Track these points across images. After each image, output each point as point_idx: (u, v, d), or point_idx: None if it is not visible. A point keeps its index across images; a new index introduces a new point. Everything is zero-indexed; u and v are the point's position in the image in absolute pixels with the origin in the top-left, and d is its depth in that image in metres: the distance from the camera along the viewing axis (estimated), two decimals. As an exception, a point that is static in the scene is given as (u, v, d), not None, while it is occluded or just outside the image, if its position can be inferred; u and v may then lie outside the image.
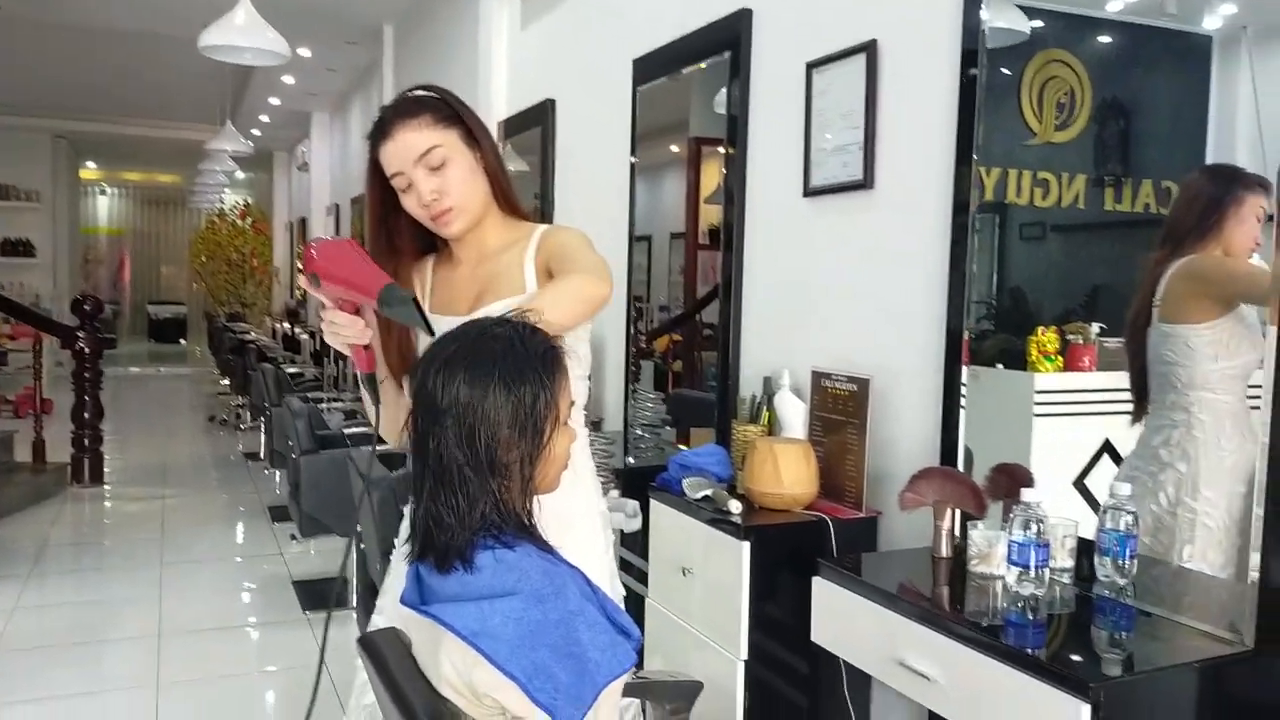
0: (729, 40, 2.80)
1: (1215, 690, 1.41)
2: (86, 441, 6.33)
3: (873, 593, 1.73)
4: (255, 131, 12.20)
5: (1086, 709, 1.31)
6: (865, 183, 2.28)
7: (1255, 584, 1.45)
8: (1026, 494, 1.69)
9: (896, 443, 2.22)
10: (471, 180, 1.56)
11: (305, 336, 9.28)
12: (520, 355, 1.18)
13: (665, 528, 2.43)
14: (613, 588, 1.76)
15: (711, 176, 3.18)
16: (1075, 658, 1.47)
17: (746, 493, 2.28)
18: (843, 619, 1.80)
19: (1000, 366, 2.08)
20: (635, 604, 2.47)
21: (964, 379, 2.03)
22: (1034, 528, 1.66)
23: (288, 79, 9.09)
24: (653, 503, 2.48)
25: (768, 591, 2.14)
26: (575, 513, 1.59)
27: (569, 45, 4.05)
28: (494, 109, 4.75)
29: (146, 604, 4.07)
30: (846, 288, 2.39)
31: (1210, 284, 1.78)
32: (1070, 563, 1.80)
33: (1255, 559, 1.46)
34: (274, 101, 10.35)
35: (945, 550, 1.91)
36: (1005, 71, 2.01)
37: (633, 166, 3.39)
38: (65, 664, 3.46)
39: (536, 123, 4.25)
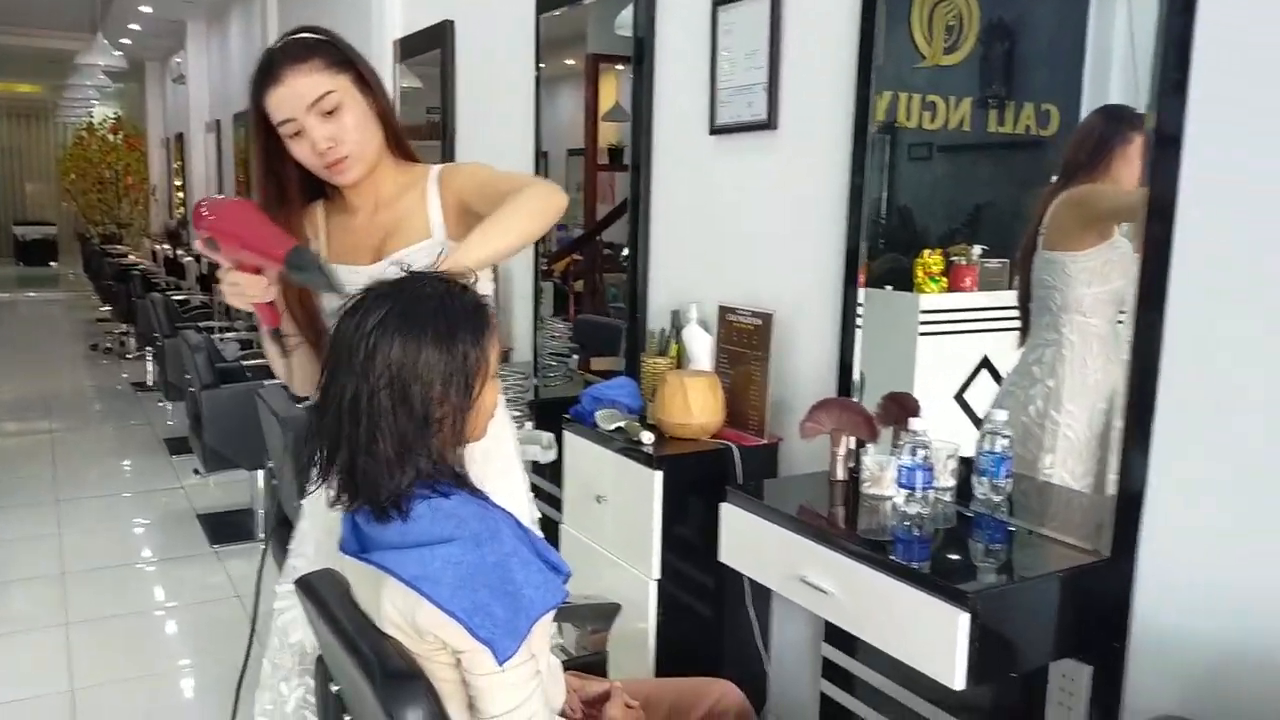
0: (633, -25, 2.80)
1: (1078, 596, 1.60)
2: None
3: (775, 515, 1.87)
4: (125, 40, 11.49)
5: (965, 617, 1.47)
6: (769, 123, 2.36)
7: (1113, 496, 1.63)
8: (914, 422, 1.84)
9: (798, 373, 2.35)
10: (366, 126, 1.53)
11: (189, 260, 8.95)
12: (452, 313, 1.24)
13: (579, 459, 2.53)
14: (531, 517, 1.86)
15: (610, 94, 3.20)
16: (955, 571, 1.63)
17: (657, 423, 2.39)
18: (748, 540, 1.94)
19: (890, 288, 2.18)
20: (551, 530, 2.58)
21: (859, 308, 2.16)
22: (919, 453, 1.81)
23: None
24: (567, 435, 2.56)
25: (678, 516, 2.27)
26: (492, 451, 1.65)
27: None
28: (388, 28, 4.62)
29: (46, 542, 4.00)
30: (752, 224, 2.48)
31: (1087, 206, 1.91)
32: (953, 482, 1.96)
33: (1112, 472, 1.64)
34: (145, 9, 9.75)
35: (841, 474, 2.06)
36: None
37: (538, 91, 3.38)
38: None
39: (435, 44, 4.16)
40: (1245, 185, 1.45)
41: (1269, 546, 1.43)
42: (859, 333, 2.18)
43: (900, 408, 2.08)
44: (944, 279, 2.11)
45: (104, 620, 3.28)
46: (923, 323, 2.15)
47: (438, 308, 1.24)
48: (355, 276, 1.47)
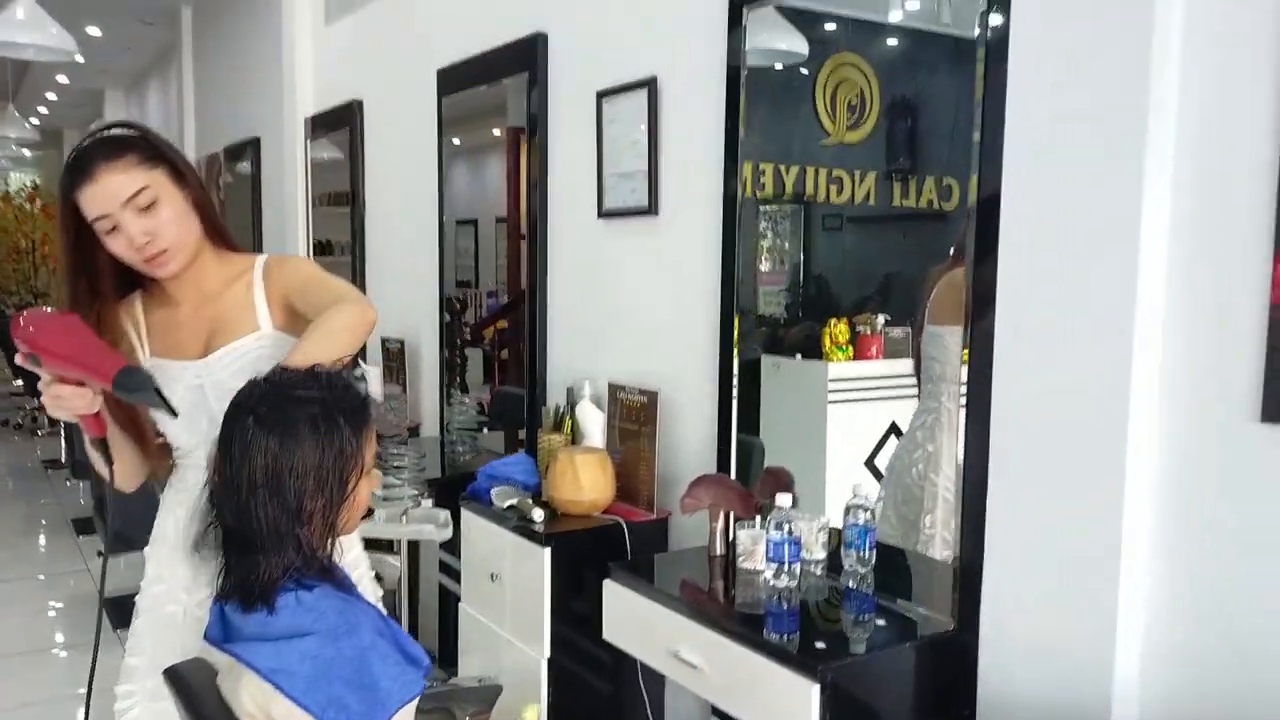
0: (525, 62, 2.92)
1: (929, 665, 1.68)
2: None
3: (652, 592, 1.93)
4: (42, 109, 11.37)
5: (816, 689, 1.54)
6: (650, 209, 2.47)
7: (954, 568, 1.73)
8: (780, 498, 1.93)
9: (684, 448, 2.43)
10: (184, 219, 1.52)
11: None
12: (330, 410, 1.28)
13: (475, 536, 2.56)
14: (374, 595, 1.85)
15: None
16: (812, 644, 1.70)
17: (550, 500, 2.44)
18: (628, 617, 1.99)
19: (799, 356, 2.24)
20: (451, 609, 2.60)
21: (734, 391, 2.26)
22: (785, 528, 1.90)
23: (77, 58, 8.51)
24: (463, 512, 2.60)
25: (570, 592, 2.31)
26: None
27: (374, 48, 4.05)
28: (300, 105, 4.69)
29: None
30: (639, 304, 2.57)
31: (959, 287, 2.04)
32: (823, 555, 2.05)
33: (952, 545, 1.74)
34: (61, 80, 9.69)
35: (720, 549, 2.13)
36: (803, 72, 2.15)
37: (440, 167, 3.46)
38: None
39: (344, 123, 4.24)
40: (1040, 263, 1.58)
41: (1085, 612, 1.53)
42: (763, 401, 2.22)
43: (776, 482, 2.17)
44: (850, 348, 2.16)
45: (30, 707, 3.20)
46: (831, 390, 2.20)
47: (317, 405, 1.28)
48: (184, 372, 1.51)
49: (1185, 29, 1.43)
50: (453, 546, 2.85)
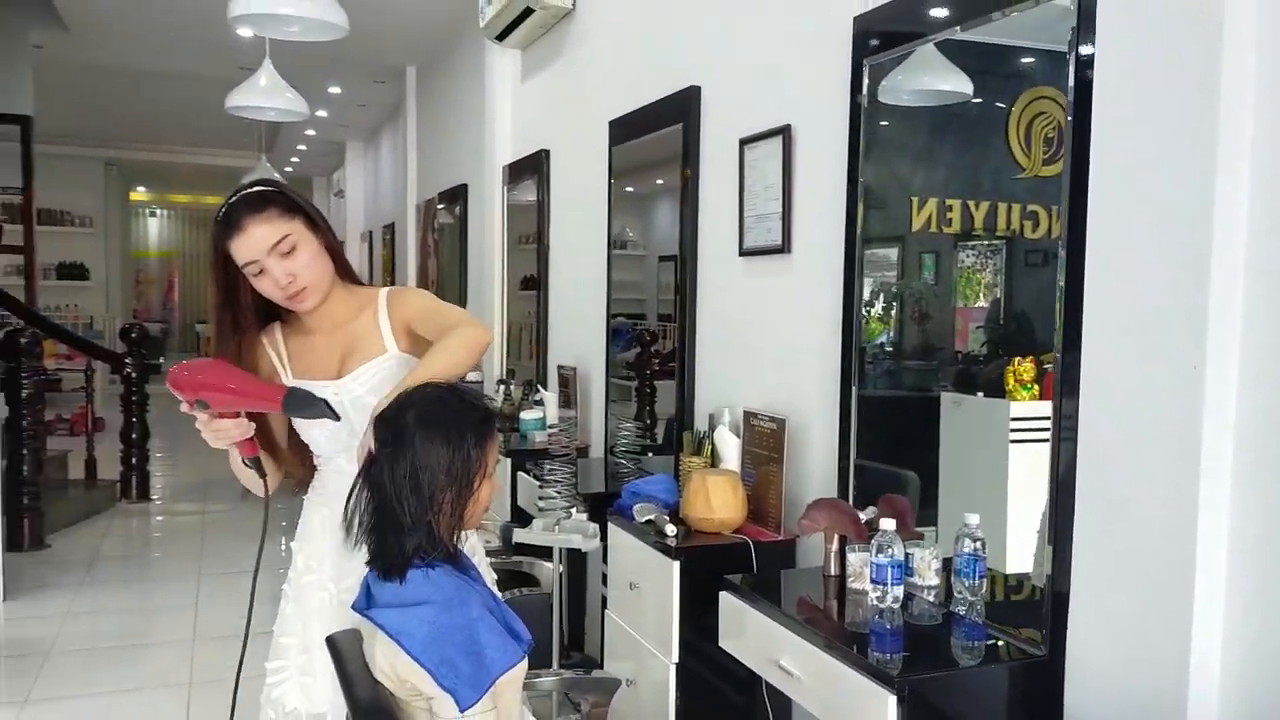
0: (681, 112, 3.15)
1: (1011, 688, 1.73)
2: (134, 460, 6.82)
3: (761, 605, 2.07)
4: (294, 159, 12.77)
5: (893, 699, 1.64)
6: (784, 248, 2.62)
7: (1045, 594, 1.77)
8: (884, 523, 2.03)
9: (812, 475, 2.55)
10: (319, 260, 1.76)
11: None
12: (461, 421, 1.55)
13: (618, 548, 2.78)
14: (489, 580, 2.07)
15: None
16: (895, 656, 1.79)
17: (684, 518, 2.62)
18: (740, 627, 2.14)
19: (981, 394, 2.22)
20: (598, 614, 2.80)
21: (852, 422, 2.36)
22: (889, 551, 1.99)
23: (321, 113, 9.60)
24: (609, 526, 2.83)
25: (699, 603, 2.47)
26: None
27: (560, 102, 4.43)
28: (499, 154, 5.15)
29: (184, 611, 4.50)
30: (773, 337, 2.73)
31: None
32: (936, 582, 2.12)
33: (1046, 572, 1.78)
34: (310, 132, 10.89)
35: (834, 569, 2.24)
36: (1000, 106, 2.12)
37: (610, 207, 3.75)
38: (109, 665, 3.91)
39: (534, 170, 4.63)
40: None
41: (1160, 636, 1.55)
42: (942, 438, 2.22)
43: (892, 509, 2.26)
44: (1035, 386, 2.08)
45: (221, 683, 3.69)
46: (1013, 430, 2.14)
47: (452, 415, 1.55)
48: (323, 390, 1.76)
49: None
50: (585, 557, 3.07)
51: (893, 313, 2.43)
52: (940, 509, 2.21)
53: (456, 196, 6.11)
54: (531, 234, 4.72)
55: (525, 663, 1.59)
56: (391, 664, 1.50)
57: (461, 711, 1.46)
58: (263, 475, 1.77)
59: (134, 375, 6.74)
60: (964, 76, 2.30)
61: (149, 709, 3.52)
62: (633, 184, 3.73)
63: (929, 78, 2.35)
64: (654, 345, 3.61)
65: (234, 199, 1.75)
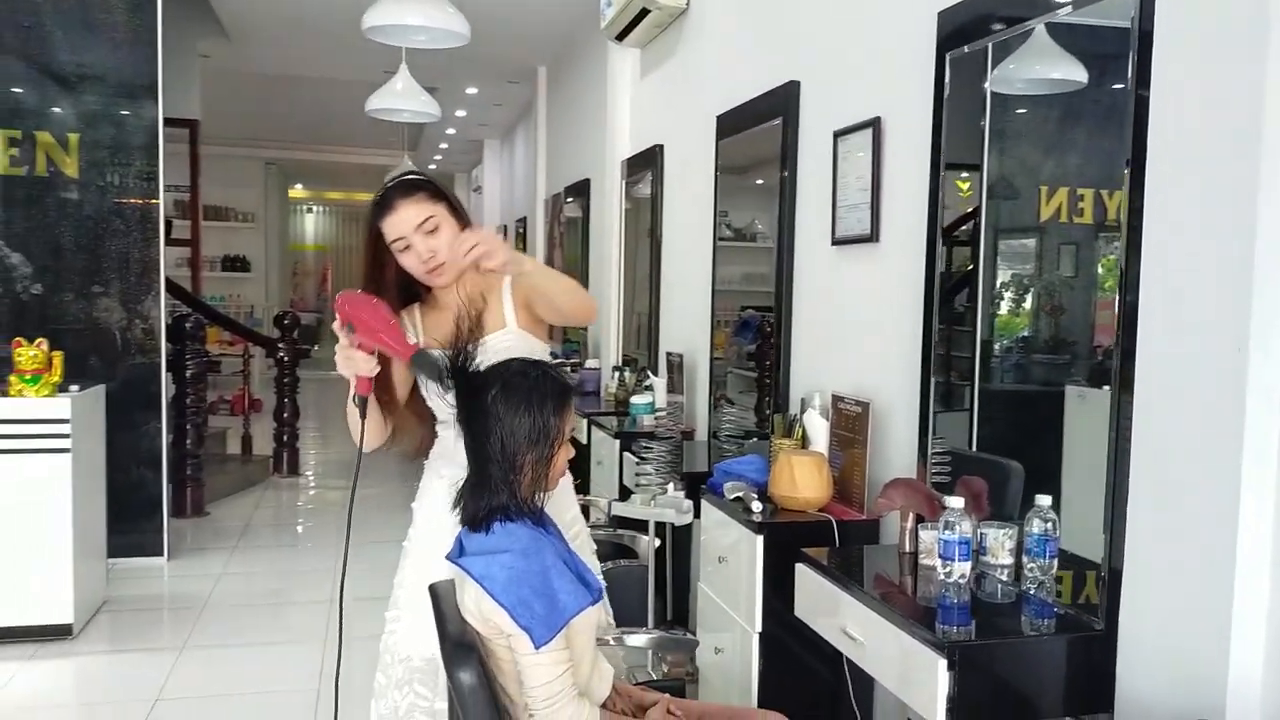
0: (783, 105, 3.26)
1: (1062, 661, 1.79)
2: (285, 437, 7.37)
3: (833, 576, 2.18)
4: (437, 157, 13.37)
5: (943, 663, 1.72)
6: (873, 236, 2.70)
7: (1102, 572, 1.82)
8: (951, 501, 2.10)
9: (895, 457, 2.63)
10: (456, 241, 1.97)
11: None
12: (541, 391, 1.73)
13: (709, 523, 2.92)
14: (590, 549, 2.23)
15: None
16: (952, 626, 1.87)
17: (771, 496, 2.74)
18: (812, 596, 2.25)
19: (1105, 388, 2.04)
20: (687, 587, 2.95)
21: (932, 405, 2.43)
22: (956, 529, 2.07)
23: (460, 113, 10.05)
24: (702, 502, 2.97)
25: (781, 577, 2.59)
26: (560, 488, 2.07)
27: (673, 98, 4.58)
28: (618, 149, 5.34)
29: (325, 575, 4.89)
30: (861, 323, 2.81)
31: None
32: (1009, 561, 2.17)
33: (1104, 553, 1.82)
34: (450, 131, 11.40)
35: (908, 546, 2.32)
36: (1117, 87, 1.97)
37: (716, 196, 3.88)
38: (255, 619, 4.32)
39: (649, 164, 4.80)
40: (1199, 298, 1.65)
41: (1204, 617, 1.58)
42: (1066, 429, 2.17)
43: (969, 490, 2.32)
44: None
45: (356, 640, 4.02)
46: None
47: (534, 387, 1.73)
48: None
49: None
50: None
51: (1026, 305, 2.42)
52: (1063, 500, 2.10)
53: (580, 190, 6.35)
54: (646, 228, 4.89)
55: (598, 612, 1.76)
56: (478, 605, 1.69)
57: (536, 649, 1.63)
58: (363, 416, 1.93)
59: (287, 360, 7.27)
60: (1078, 65, 2.32)
61: (288, 659, 3.88)
62: (760, 176, 3.83)
63: (1040, 66, 2.38)
64: (773, 337, 3.69)
65: (389, 185, 2.01)
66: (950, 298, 2.45)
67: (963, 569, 2.06)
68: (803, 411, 2.92)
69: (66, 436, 3.89)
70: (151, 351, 5.08)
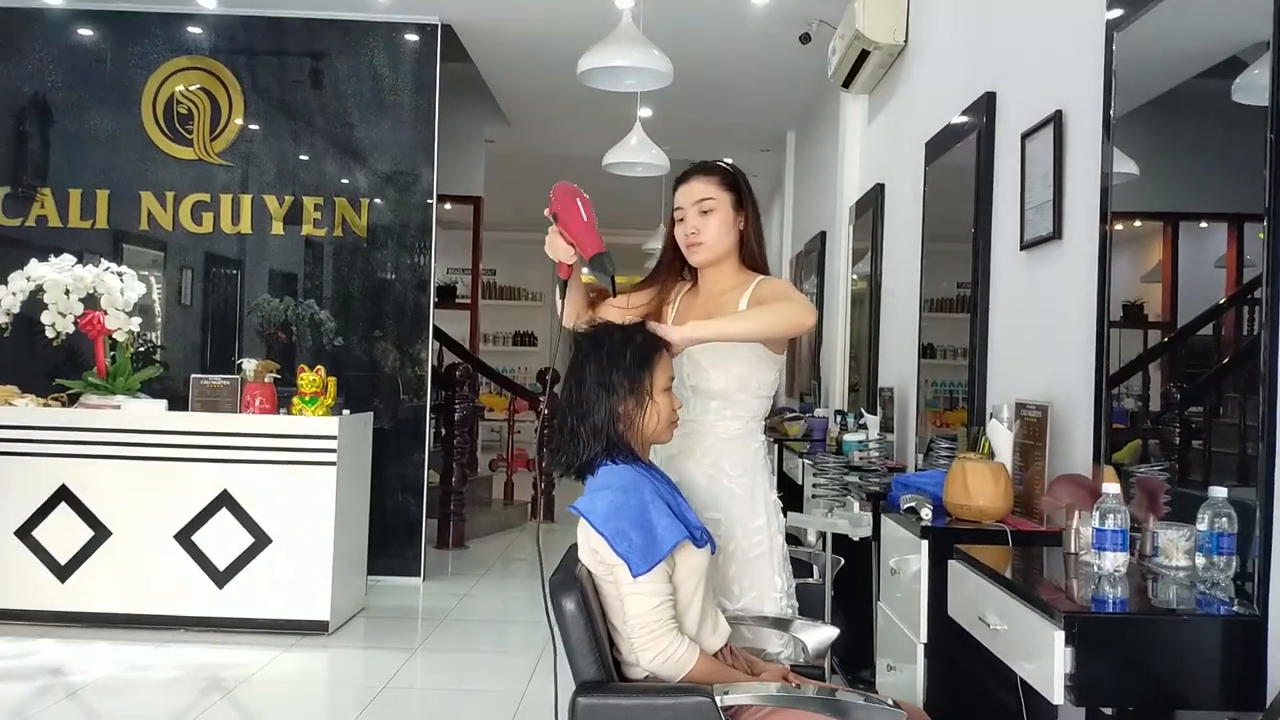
0: (978, 120, 3.20)
1: (1203, 645, 1.60)
2: (543, 486, 7.87)
3: (980, 569, 2.07)
4: (702, 235, 13.87)
5: (1060, 635, 1.60)
6: (1055, 234, 2.58)
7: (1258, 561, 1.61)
8: (1107, 488, 1.94)
9: (1075, 464, 2.45)
10: (725, 229, 2.12)
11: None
12: (622, 345, 1.85)
13: (886, 538, 2.84)
14: (772, 550, 2.24)
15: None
16: (1083, 607, 1.72)
17: (945, 506, 2.63)
18: (962, 593, 2.14)
19: None
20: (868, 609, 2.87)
21: (1103, 408, 2.25)
22: (1110, 518, 1.91)
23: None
24: (881, 518, 2.90)
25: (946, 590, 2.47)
26: (749, 494, 2.19)
27: (893, 136, 4.58)
28: (847, 196, 5.38)
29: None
30: (1046, 327, 2.66)
31: None
32: (1185, 563, 1.96)
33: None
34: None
35: (1074, 547, 2.15)
36: None
37: (923, 240, 3.83)
38: (485, 632, 4.69)
39: (871, 204, 4.80)
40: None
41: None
42: None
43: (1145, 489, 2.12)
44: None
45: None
46: None
47: (619, 344, 1.86)
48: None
49: None
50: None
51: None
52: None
53: (816, 245, 6.41)
54: (864, 272, 4.87)
55: (706, 555, 1.81)
56: (586, 539, 1.81)
57: (634, 578, 1.71)
58: (563, 296, 2.12)
59: (548, 413, 7.78)
60: None
61: (505, 666, 4.14)
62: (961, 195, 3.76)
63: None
64: (969, 357, 3.56)
65: (698, 162, 2.20)
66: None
67: (1117, 560, 1.89)
68: (986, 422, 2.79)
69: (333, 451, 4.44)
70: (420, 391, 5.69)
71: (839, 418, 5.01)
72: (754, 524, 2.18)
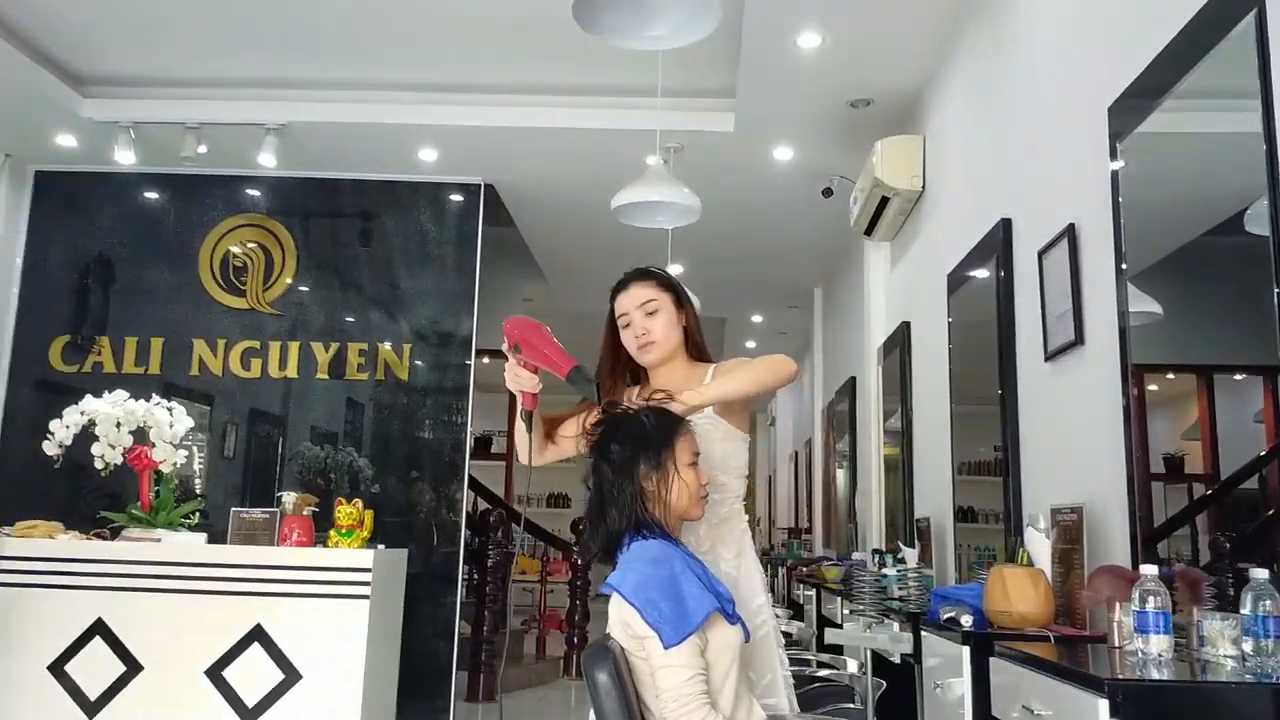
0: (996, 245, 3.33)
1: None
2: (575, 641, 7.69)
3: (1017, 660, 2.03)
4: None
5: (1105, 704, 1.57)
6: (1078, 340, 2.65)
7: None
8: (1145, 569, 1.93)
9: (1115, 560, 2.42)
10: (670, 327, 2.21)
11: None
12: (650, 427, 1.92)
13: (927, 654, 2.78)
14: (774, 629, 2.22)
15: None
16: (1128, 680, 1.68)
17: (986, 613, 2.59)
18: (1004, 689, 2.09)
19: None
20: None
21: (1136, 510, 2.25)
22: (1150, 600, 1.89)
23: (750, 344, 10.66)
24: (921, 635, 2.84)
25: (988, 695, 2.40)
26: (746, 575, 2.19)
27: (917, 276, 4.73)
28: (874, 339, 5.49)
29: None
30: (1076, 434, 2.69)
31: None
32: (1234, 652, 1.92)
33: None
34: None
35: (1117, 639, 2.10)
36: None
37: (950, 368, 3.90)
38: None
39: (898, 342, 4.90)
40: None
41: None
42: None
43: (1184, 580, 2.10)
44: None
45: None
46: None
47: (640, 425, 1.93)
48: None
49: None
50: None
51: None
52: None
53: (847, 390, 6.48)
54: (894, 407, 4.92)
55: (740, 634, 1.81)
56: (617, 612, 1.82)
57: (666, 649, 1.71)
58: (529, 429, 2.17)
59: (579, 564, 7.72)
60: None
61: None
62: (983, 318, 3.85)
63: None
64: (1003, 474, 3.55)
65: (631, 271, 2.30)
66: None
67: (1161, 644, 1.86)
68: (1023, 532, 2.78)
69: (367, 585, 4.42)
70: (454, 536, 5.70)
71: (876, 556, 4.94)
72: (755, 604, 2.19)
